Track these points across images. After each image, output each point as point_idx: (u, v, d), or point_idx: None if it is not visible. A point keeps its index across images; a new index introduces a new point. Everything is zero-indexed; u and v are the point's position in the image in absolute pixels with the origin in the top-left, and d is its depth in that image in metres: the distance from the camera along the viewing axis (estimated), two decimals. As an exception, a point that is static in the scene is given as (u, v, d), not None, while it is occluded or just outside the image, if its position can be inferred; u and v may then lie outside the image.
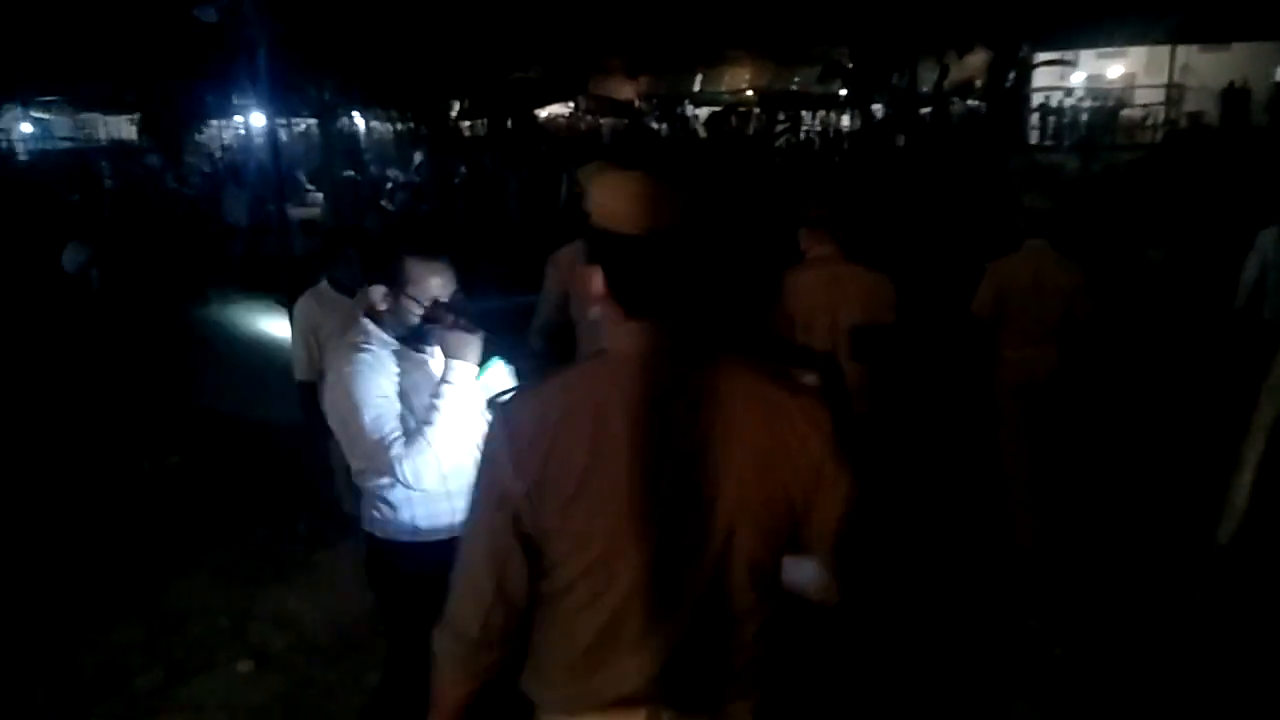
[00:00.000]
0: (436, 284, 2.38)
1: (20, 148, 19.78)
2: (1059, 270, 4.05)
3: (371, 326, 2.43)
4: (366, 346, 2.38)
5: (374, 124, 22.61)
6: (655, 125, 23.14)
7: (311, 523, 4.36)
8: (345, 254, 3.77)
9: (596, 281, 1.41)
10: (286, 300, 5.30)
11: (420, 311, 2.38)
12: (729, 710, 1.47)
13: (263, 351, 7.09)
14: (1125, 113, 20.29)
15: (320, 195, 15.17)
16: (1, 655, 3.46)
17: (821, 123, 21.78)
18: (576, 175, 4.20)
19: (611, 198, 1.41)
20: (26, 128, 21.23)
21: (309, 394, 3.57)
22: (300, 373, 3.76)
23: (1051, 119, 20.16)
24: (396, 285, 2.38)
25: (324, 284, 3.80)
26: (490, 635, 1.44)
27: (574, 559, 1.40)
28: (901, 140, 17.17)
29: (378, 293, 2.43)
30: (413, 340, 2.43)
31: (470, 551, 1.45)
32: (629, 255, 1.37)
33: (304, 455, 4.05)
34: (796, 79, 22.26)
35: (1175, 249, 8.01)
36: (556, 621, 1.45)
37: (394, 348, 2.41)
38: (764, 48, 22.01)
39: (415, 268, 2.38)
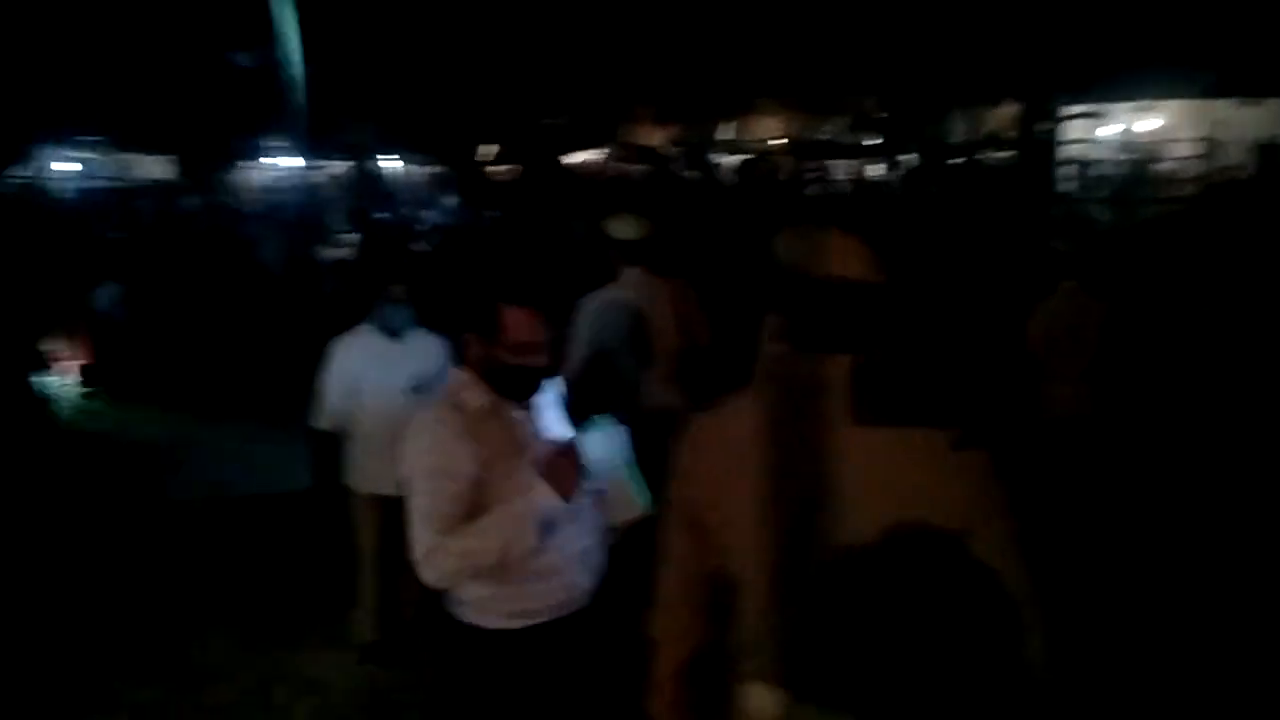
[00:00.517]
0: (533, 332, 2.26)
1: (63, 187, 20.15)
2: (1091, 309, 4.38)
3: (465, 378, 2.32)
4: (443, 418, 2.25)
5: (410, 167, 22.91)
6: (684, 173, 23.23)
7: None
8: (389, 294, 3.49)
9: (772, 321, 1.60)
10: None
11: (517, 360, 2.24)
12: None
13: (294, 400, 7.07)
14: (1157, 167, 20.09)
15: (351, 236, 15.29)
16: (17, 713, 3.37)
17: (851, 172, 21.78)
18: (602, 225, 4.17)
19: (809, 249, 1.60)
20: (70, 167, 21.65)
21: (324, 445, 3.43)
22: (320, 419, 3.49)
23: (1083, 171, 20.00)
24: (490, 335, 2.25)
25: (366, 327, 3.54)
26: (693, 626, 1.70)
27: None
28: (933, 189, 17.13)
29: (471, 344, 2.32)
30: (510, 392, 2.31)
31: (664, 576, 1.72)
32: (819, 298, 1.55)
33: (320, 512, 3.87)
34: (827, 128, 22.34)
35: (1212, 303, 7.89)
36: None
37: (484, 402, 2.28)
38: (794, 97, 22.14)
39: (512, 315, 2.24)
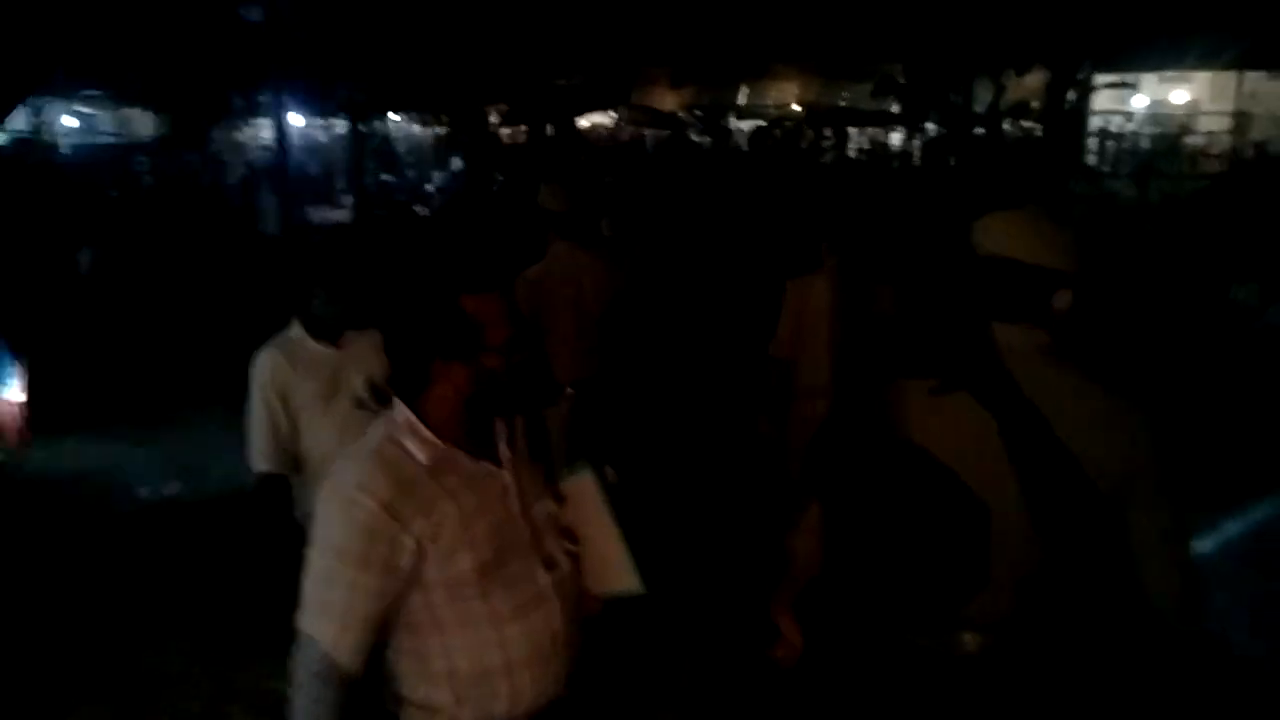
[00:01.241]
0: (509, 322, 1.64)
1: (63, 142, 19.78)
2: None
3: (405, 423, 1.65)
4: (367, 497, 1.57)
5: (415, 129, 22.42)
6: (698, 138, 22.73)
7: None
8: (323, 287, 2.70)
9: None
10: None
11: (508, 365, 1.63)
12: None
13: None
14: (1188, 140, 19.52)
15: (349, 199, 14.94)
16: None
17: (870, 140, 21.22)
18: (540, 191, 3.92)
19: (1017, 231, 1.81)
20: (70, 122, 21.25)
21: (273, 491, 2.65)
22: (260, 459, 2.67)
23: (1110, 144, 19.44)
24: (469, 346, 1.61)
25: (295, 330, 2.73)
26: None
27: None
28: (954, 160, 16.62)
29: (447, 373, 1.64)
30: (477, 440, 1.68)
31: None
32: (1025, 279, 1.77)
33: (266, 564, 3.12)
34: (845, 94, 21.74)
35: (1268, 287, 7.41)
36: None
37: (437, 456, 1.64)
38: (812, 62, 21.54)
39: (485, 313, 1.62)
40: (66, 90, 18.78)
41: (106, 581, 4.08)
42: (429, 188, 16.63)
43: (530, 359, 1.72)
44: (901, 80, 17.88)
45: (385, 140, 19.04)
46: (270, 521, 2.64)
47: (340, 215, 11.73)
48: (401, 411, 1.67)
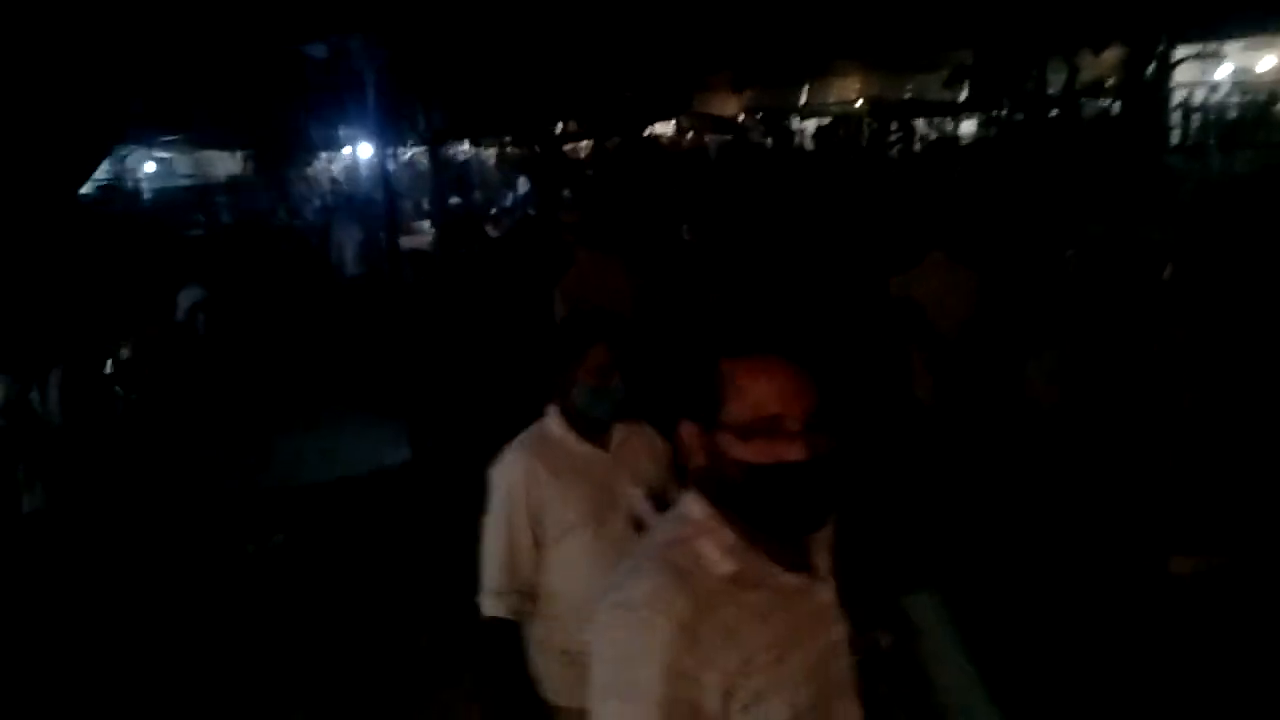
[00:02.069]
0: (783, 400, 1.24)
1: (144, 186, 20.44)
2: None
3: (699, 515, 1.29)
4: (662, 619, 1.19)
5: (475, 150, 22.63)
6: (761, 140, 22.45)
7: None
8: (586, 362, 2.05)
9: None
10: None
11: (756, 458, 1.21)
12: None
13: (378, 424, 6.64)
14: (1278, 108, 18.57)
15: (426, 224, 15.08)
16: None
17: (938, 130, 20.69)
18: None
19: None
20: (150, 167, 21.95)
21: (503, 642, 2.06)
22: (492, 600, 2.11)
23: (1195, 117, 18.58)
24: (711, 419, 1.26)
25: (554, 423, 2.14)
26: None
27: None
28: (1031, 145, 16.07)
29: (689, 435, 1.30)
30: (762, 524, 1.27)
31: None
32: None
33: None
34: (910, 87, 21.27)
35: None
36: None
37: (743, 566, 1.26)
38: (874, 56, 21.12)
39: (744, 375, 1.24)
40: (146, 136, 19.45)
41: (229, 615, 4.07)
42: (495, 210, 16.72)
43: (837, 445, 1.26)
44: (969, 67, 17.40)
45: (464, 165, 19.22)
46: (498, 681, 2.06)
47: (418, 242, 11.82)
48: (698, 507, 1.30)
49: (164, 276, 9.05)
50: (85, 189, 15.38)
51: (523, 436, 2.18)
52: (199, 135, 19.26)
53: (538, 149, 16.73)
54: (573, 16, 15.87)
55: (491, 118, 16.81)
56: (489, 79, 14.11)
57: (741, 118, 23.47)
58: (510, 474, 2.11)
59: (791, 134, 22.59)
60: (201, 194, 17.47)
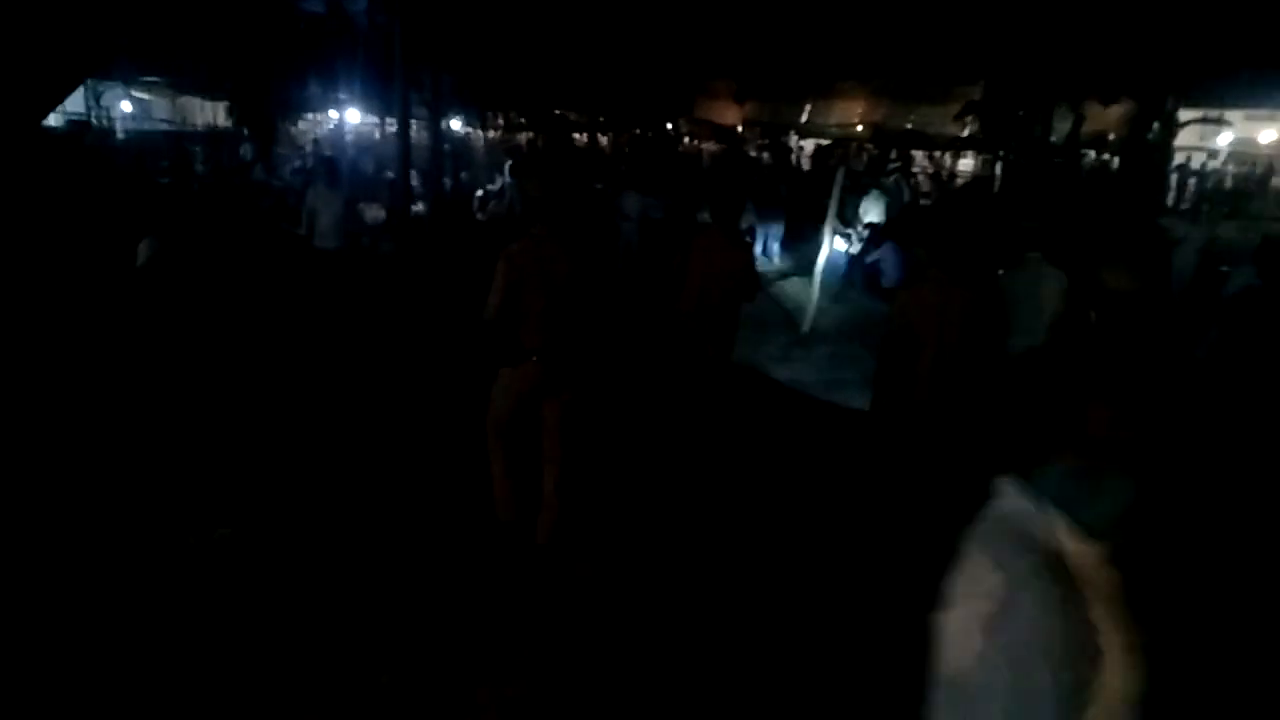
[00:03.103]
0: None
1: (119, 126, 19.63)
2: None
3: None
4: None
5: (470, 131, 22.07)
6: (757, 154, 22.16)
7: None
8: None
9: None
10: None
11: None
12: None
13: (346, 396, 6.13)
14: (1276, 181, 18.68)
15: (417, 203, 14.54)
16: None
17: (935, 164, 20.54)
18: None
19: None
20: (127, 107, 21.13)
21: None
22: None
23: (1192, 181, 18.60)
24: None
25: None
26: None
27: None
28: (1029, 188, 15.93)
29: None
30: None
31: None
32: None
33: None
34: (913, 117, 21.08)
35: None
36: None
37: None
38: (880, 82, 20.90)
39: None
40: (125, 75, 18.66)
41: (164, 626, 3.56)
42: (482, 192, 16.22)
43: None
44: (977, 105, 17.23)
45: (463, 141, 18.65)
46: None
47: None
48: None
49: (126, 221, 8.47)
50: (53, 120, 14.66)
51: None
52: (180, 79, 18.54)
53: (549, 136, 16.27)
54: (583, 8, 15.50)
55: (495, 96, 16.32)
56: (496, 56, 13.63)
57: (740, 129, 23.17)
58: None
59: (789, 150, 22.32)
60: (177, 140, 16.72)
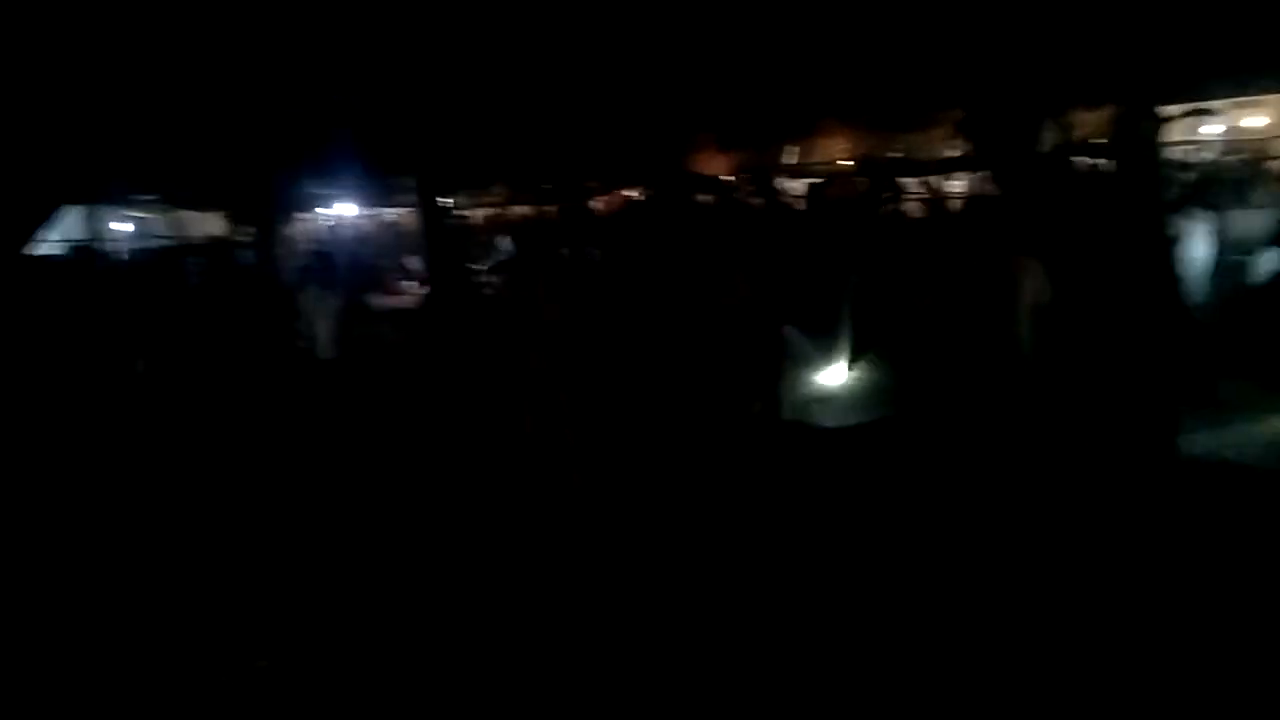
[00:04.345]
0: None
1: (120, 247, 19.87)
2: None
3: None
4: None
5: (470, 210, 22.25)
6: (748, 201, 22.23)
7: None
8: None
9: None
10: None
11: None
12: None
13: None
14: (1267, 166, 18.53)
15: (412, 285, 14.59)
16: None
17: (929, 188, 20.55)
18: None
19: None
20: (127, 227, 21.44)
21: None
22: None
23: (1187, 175, 18.47)
24: None
25: None
26: None
27: None
28: (1023, 201, 15.88)
29: None
30: None
31: None
32: None
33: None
34: (898, 145, 21.21)
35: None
36: None
37: None
38: (861, 116, 21.07)
39: None
40: (118, 196, 18.94)
41: None
42: (484, 269, 16.26)
43: None
44: (961, 125, 17.32)
45: (460, 222, 18.77)
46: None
47: (402, 302, 11.20)
48: None
49: (125, 341, 8.46)
50: (60, 250, 14.84)
51: None
52: (174, 194, 18.77)
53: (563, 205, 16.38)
54: (562, 79, 15.68)
55: (484, 175, 16.44)
56: (478, 137, 13.77)
57: (728, 179, 23.33)
58: None
59: (779, 192, 22.39)
60: (172, 255, 16.82)
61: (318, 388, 7.11)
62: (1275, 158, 18.47)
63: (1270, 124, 19.22)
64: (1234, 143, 19.25)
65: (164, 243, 20.18)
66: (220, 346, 9.99)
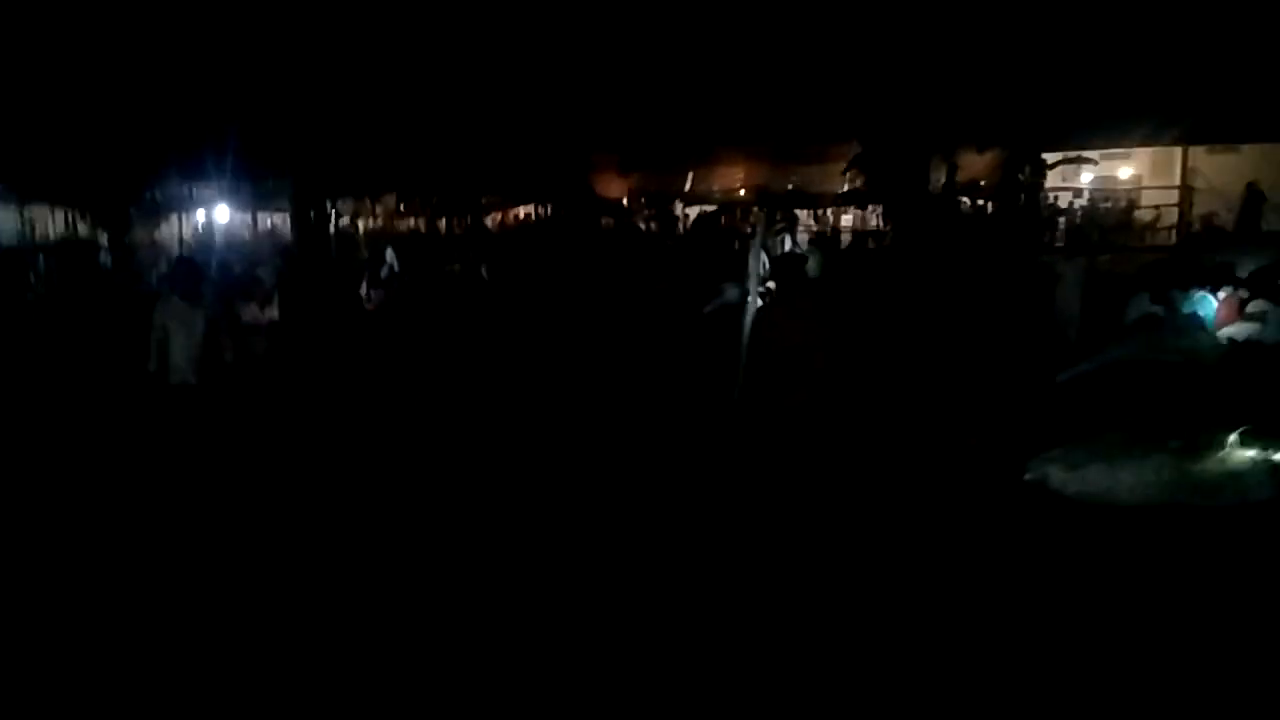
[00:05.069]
0: None
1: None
2: None
3: None
4: None
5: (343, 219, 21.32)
6: (644, 225, 22.19)
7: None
8: None
9: None
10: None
11: None
12: None
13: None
14: (1136, 214, 19.57)
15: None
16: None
17: (820, 222, 20.90)
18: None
19: None
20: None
21: None
22: None
23: (1061, 220, 19.36)
24: None
25: None
26: None
27: None
28: (915, 238, 16.25)
29: None
30: None
31: None
32: None
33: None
34: (794, 178, 21.49)
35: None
36: None
37: None
38: (759, 146, 21.28)
39: None
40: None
41: None
42: (368, 279, 15.49)
43: None
44: (855, 162, 17.70)
45: (348, 229, 17.89)
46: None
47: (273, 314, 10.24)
48: None
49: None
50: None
51: None
52: (26, 188, 17.15)
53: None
54: (462, 92, 15.22)
55: (370, 183, 15.71)
56: (377, 143, 13.12)
57: (626, 201, 23.23)
58: None
59: (675, 219, 22.40)
60: (14, 255, 15.17)
61: (157, 423, 5.68)
62: (1144, 206, 19.55)
63: (1137, 174, 20.29)
64: (1108, 190, 20.22)
65: (12, 241, 18.53)
66: (54, 365, 8.77)
